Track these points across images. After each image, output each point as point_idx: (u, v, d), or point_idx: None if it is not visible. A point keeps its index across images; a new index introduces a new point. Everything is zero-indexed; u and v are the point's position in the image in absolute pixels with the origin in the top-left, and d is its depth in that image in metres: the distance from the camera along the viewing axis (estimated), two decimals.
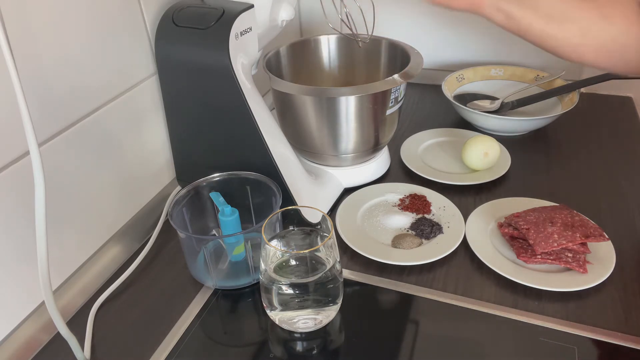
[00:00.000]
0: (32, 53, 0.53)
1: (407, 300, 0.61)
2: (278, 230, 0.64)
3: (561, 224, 0.63)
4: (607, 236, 0.63)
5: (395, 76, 0.72)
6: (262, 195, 0.66)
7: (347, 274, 0.65)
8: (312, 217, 0.72)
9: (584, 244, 0.62)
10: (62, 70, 0.57)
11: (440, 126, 0.95)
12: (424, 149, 0.89)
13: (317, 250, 0.55)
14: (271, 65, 0.80)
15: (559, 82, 0.96)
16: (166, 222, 0.74)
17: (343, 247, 0.68)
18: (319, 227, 0.59)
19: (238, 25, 0.63)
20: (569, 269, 0.62)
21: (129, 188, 0.71)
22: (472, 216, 0.71)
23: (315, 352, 0.56)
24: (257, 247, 0.68)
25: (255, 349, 0.56)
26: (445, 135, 0.92)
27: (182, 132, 0.73)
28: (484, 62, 1.09)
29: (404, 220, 0.72)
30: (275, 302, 0.54)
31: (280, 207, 0.62)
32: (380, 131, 0.78)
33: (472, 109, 0.91)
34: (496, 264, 0.63)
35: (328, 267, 0.54)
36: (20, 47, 0.51)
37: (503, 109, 0.96)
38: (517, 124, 0.89)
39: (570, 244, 0.61)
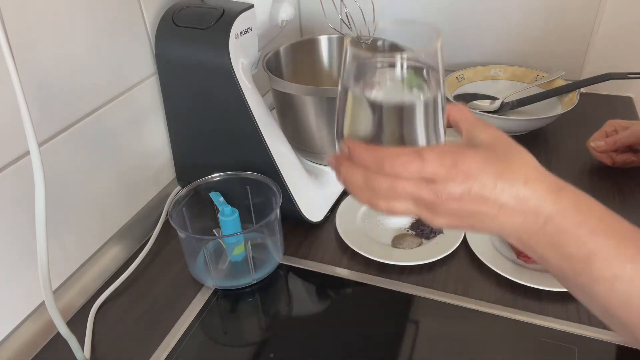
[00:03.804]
0: (32, 53, 0.53)
1: (407, 300, 0.61)
2: (278, 230, 0.64)
3: None
4: None
5: None
6: (262, 195, 0.66)
7: (347, 274, 0.65)
8: (312, 216, 0.72)
9: None
10: (62, 70, 0.57)
11: None
12: None
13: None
14: (271, 65, 0.80)
15: (559, 82, 0.96)
16: (166, 222, 0.74)
17: (343, 247, 0.68)
18: None
19: (238, 25, 0.63)
20: None
21: (129, 188, 0.71)
22: None
23: (315, 352, 0.56)
24: (257, 247, 0.68)
25: (255, 349, 0.56)
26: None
27: (182, 132, 0.73)
28: (484, 62, 1.09)
29: (404, 220, 0.72)
30: None
31: (280, 207, 0.62)
32: None
33: (472, 109, 0.91)
34: (496, 264, 0.63)
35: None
36: (21, 47, 0.51)
37: (503, 109, 0.96)
38: (517, 124, 0.89)
39: None
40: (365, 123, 0.38)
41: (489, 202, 0.35)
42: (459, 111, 0.40)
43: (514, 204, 0.35)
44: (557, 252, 0.36)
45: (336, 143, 0.41)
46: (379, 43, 0.42)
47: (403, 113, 0.37)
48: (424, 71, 0.37)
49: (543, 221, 0.35)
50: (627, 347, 0.54)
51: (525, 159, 0.37)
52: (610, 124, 0.82)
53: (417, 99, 0.37)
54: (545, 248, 0.36)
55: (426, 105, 0.37)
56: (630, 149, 0.79)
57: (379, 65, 0.37)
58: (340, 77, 0.38)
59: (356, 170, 0.38)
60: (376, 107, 0.37)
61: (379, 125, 0.38)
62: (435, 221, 0.37)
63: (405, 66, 0.36)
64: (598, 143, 0.80)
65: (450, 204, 0.35)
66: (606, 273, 0.34)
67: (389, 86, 0.37)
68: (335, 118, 0.40)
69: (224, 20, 0.62)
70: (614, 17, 0.98)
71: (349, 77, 0.37)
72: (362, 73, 0.37)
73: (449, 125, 0.40)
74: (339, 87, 0.38)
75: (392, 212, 0.38)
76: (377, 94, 0.37)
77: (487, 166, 0.35)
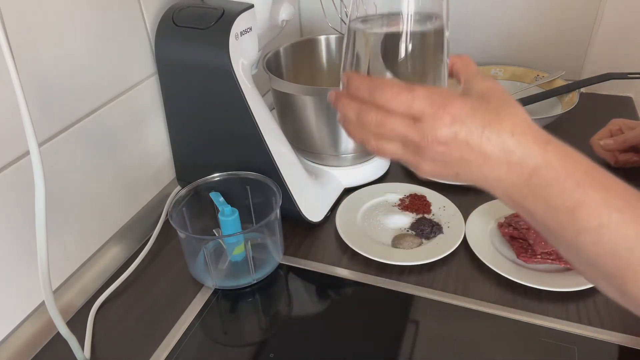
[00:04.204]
0: (33, 53, 0.53)
1: (407, 300, 0.61)
2: (278, 230, 0.64)
3: None
4: None
5: None
6: (262, 195, 0.66)
7: (347, 274, 0.65)
8: (312, 216, 0.72)
9: None
10: (62, 70, 0.57)
11: None
12: None
13: None
14: (271, 65, 0.80)
15: (559, 82, 0.96)
16: (166, 222, 0.74)
17: (343, 247, 0.68)
18: None
19: (238, 25, 0.63)
20: (569, 269, 0.62)
21: (129, 188, 0.71)
22: (472, 216, 0.71)
23: (315, 352, 0.56)
24: (257, 247, 0.68)
25: (255, 349, 0.56)
26: None
27: (182, 132, 0.73)
28: (484, 62, 1.09)
29: (404, 220, 0.72)
30: None
31: (280, 207, 0.62)
32: None
33: None
34: (496, 264, 0.63)
35: None
36: (21, 47, 0.51)
37: None
38: None
39: None
40: (368, 60, 0.39)
41: (474, 150, 0.35)
42: (462, 62, 0.41)
43: (499, 155, 0.35)
44: (543, 205, 0.36)
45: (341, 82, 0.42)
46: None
47: (406, 50, 0.38)
48: (429, 14, 0.38)
49: (528, 174, 0.35)
50: (627, 347, 0.54)
51: (516, 111, 0.36)
52: (615, 123, 0.82)
53: (420, 37, 0.37)
54: (531, 202, 0.36)
55: (428, 45, 0.38)
56: (632, 148, 0.79)
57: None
58: (348, 16, 0.39)
59: (351, 103, 0.38)
60: (379, 44, 0.38)
61: (381, 62, 0.38)
62: (421, 166, 0.38)
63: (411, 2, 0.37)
64: (607, 142, 0.79)
65: (435, 147, 0.35)
66: (592, 223, 0.34)
67: (393, 23, 0.38)
68: (342, 57, 0.41)
69: (224, 20, 0.62)
70: (614, 17, 0.98)
71: (355, 14, 0.39)
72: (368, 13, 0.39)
73: (450, 75, 0.41)
74: (347, 26, 0.40)
75: (381, 152, 0.39)
76: (380, 31, 0.38)
77: (476, 114, 0.35)
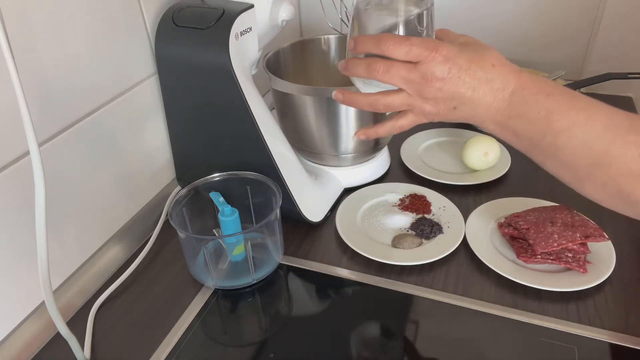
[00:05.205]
0: (33, 53, 0.53)
1: (407, 300, 0.61)
2: (278, 230, 0.64)
3: (561, 224, 0.63)
4: (607, 236, 0.63)
5: None
6: (262, 195, 0.66)
7: (347, 274, 0.65)
8: (312, 216, 0.72)
9: (584, 244, 0.62)
10: (62, 70, 0.57)
11: (440, 126, 0.95)
12: (424, 149, 0.89)
13: None
14: (271, 65, 0.80)
15: (559, 82, 0.96)
16: (166, 222, 0.74)
17: (343, 247, 0.68)
18: None
19: (238, 25, 0.63)
20: (569, 269, 0.62)
21: (129, 188, 0.71)
22: (472, 216, 0.71)
23: (315, 352, 0.56)
24: (257, 247, 0.68)
25: (255, 349, 0.56)
26: (445, 135, 0.92)
27: (182, 132, 0.73)
28: None
29: (404, 220, 0.72)
30: None
31: (280, 207, 0.62)
32: None
33: None
34: (496, 264, 0.63)
35: None
36: (21, 47, 0.51)
37: None
38: None
39: (570, 244, 0.61)
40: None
41: (465, 82, 0.44)
42: (443, 32, 0.50)
43: (484, 85, 0.44)
44: (524, 121, 0.44)
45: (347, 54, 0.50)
46: None
47: (400, 27, 0.47)
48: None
49: (509, 96, 0.44)
50: (626, 347, 0.54)
51: (494, 53, 0.47)
52: None
53: (411, 16, 0.47)
54: (514, 121, 0.45)
55: (419, 20, 0.47)
56: None
57: None
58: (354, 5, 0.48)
59: (360, 60, 0.47)
60: (381, 23, 0.47)
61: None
62: (425, 108, 0.46)
63: None
64: None
65: (434, 83, 0.44)
66: (564, 124, 0.42)
67: (390, 6, 0.47)
68: (349, 35, 0.50)
69: (224, 20, 0.62)
70: (614, 17, 0.98)
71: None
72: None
73: None
74: (352, 12, 0.49)
75: (391, 106, 0.47)
76: (381, 13, 0.47)
77: (462, 53, 0.45)
